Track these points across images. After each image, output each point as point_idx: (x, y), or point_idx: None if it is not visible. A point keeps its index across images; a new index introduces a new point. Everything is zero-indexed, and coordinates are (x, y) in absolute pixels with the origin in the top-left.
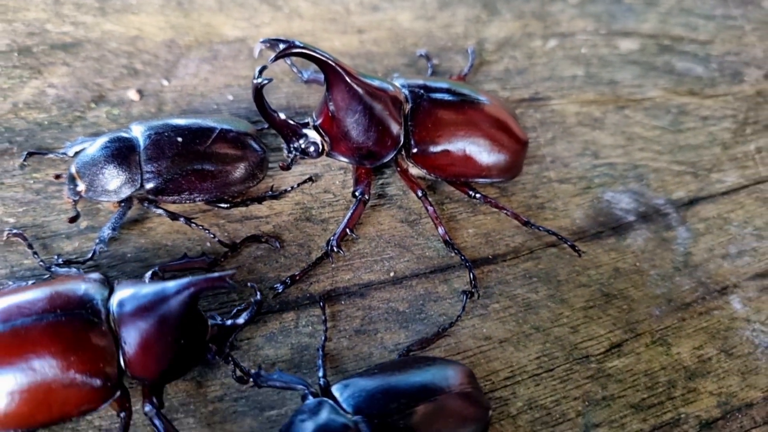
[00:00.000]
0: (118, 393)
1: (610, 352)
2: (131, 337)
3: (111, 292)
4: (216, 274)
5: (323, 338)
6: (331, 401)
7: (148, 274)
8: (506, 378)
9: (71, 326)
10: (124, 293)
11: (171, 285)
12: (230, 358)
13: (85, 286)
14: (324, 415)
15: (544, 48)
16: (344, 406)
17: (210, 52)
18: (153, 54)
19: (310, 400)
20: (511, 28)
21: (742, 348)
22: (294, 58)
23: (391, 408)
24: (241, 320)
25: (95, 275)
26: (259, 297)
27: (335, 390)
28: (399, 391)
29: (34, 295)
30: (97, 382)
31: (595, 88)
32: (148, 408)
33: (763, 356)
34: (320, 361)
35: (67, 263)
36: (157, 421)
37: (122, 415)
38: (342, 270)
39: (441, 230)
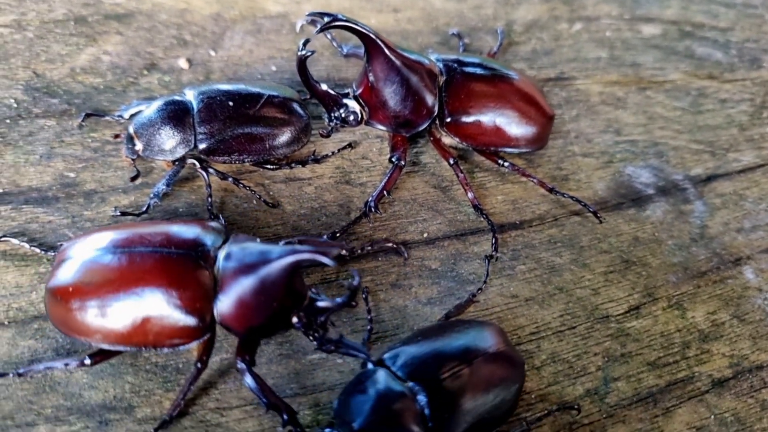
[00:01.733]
0: (207, 336)
1: (628, 313)
2: (228, 288)
3: (226, 241)
4: (321, 247)
5: (367, 334)
6: (386, 370)
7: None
8: (531, 333)
9: (180, 263)
10: (234, 246)
11: (276, 249)
12: (316, 334)
13: (202, 230)
14: (382, 383)
15: (570, 31)
16: (398, 373)
17: (254, 26)
18: (201, 26)
19: (369, 368)
20: (538, 10)
21: (753, 315)
22: (334, 33)
23: (443, 372)
24: (329, 303)
25: (215, 223)
26: (356, 283)
27: (386, 359)
28: (446, 355)
29: (157, 229)
30: (191, 320)
31: (618, 70)
32: (240, 365)
33: None
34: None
35: (124, 215)
36: (247, 378)
37: (198, 365)
38: (379, 230)
39: (470, 195)
